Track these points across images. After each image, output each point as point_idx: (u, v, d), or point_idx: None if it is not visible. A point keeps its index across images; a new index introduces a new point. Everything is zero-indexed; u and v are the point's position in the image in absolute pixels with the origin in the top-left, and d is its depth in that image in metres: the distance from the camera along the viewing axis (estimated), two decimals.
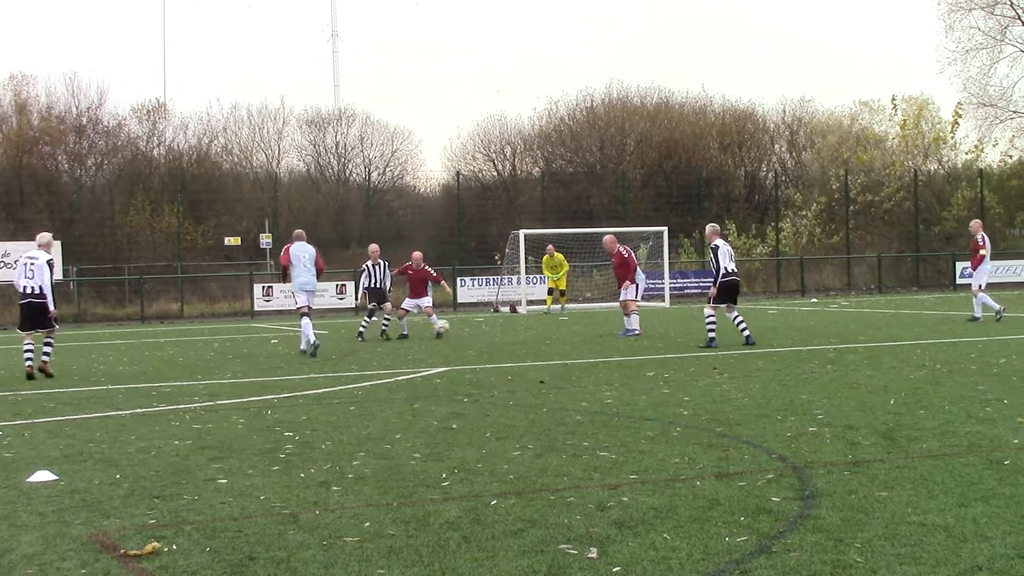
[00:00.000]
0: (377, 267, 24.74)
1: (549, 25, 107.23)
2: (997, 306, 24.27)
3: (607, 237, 24.45)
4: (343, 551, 6.35)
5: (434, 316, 24.97)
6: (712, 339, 19.51)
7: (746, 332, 19.72)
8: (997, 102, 57.89)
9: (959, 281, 44.98)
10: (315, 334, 20.83)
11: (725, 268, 19.66)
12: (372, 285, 24.70)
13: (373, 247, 25.30)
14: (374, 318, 25.19)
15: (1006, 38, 57.97)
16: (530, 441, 9.82)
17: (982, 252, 25.27)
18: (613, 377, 15.05)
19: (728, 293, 19.81)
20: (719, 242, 19.99)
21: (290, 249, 21.26)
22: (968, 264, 25.56)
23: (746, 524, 6.67)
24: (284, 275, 21.53)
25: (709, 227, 20.92)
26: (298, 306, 21.13)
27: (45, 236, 18.31)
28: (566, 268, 36.53)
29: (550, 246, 36.32)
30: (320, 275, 21.63)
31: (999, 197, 51.73)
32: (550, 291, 36.77)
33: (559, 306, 35.99)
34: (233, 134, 59.07)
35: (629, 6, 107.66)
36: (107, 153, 51.10)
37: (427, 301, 25.29)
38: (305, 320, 20.81)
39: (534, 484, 8.01)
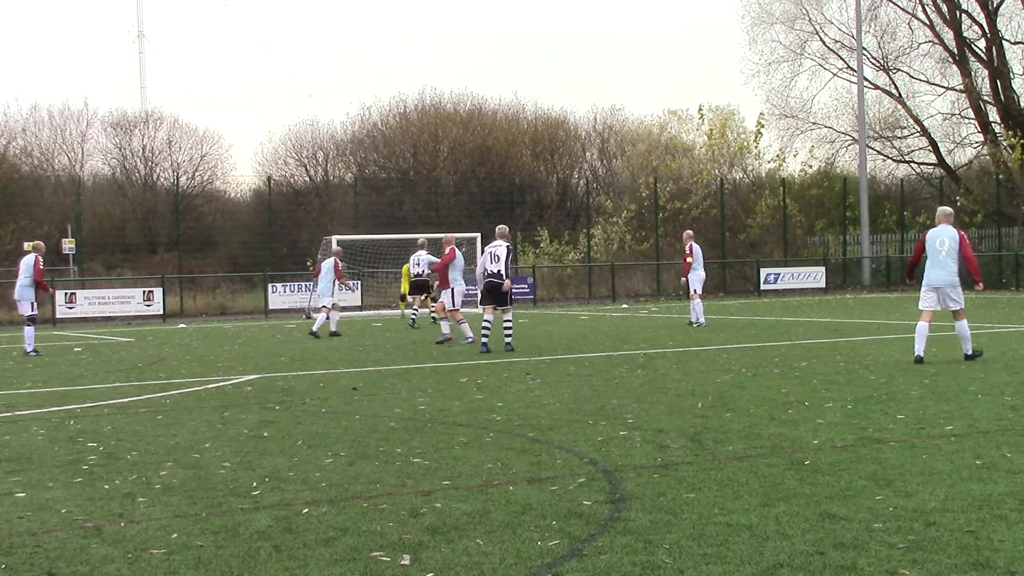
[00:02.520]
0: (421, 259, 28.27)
1: (361, 30, 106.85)
2: (701, 319, 26.21)
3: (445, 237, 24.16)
4: (149, 564, 6.19)
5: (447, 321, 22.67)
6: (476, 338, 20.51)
7: (484, 340, 20.13)
8: (798, 113, 60.06)
9: (763, 287, 46.34)
10: (33, 345, 22.46)
11: (484, 270, 20.49)
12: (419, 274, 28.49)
13: (422, 239, 29.24)
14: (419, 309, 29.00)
15: (805, 52, 60.17)
16: (342, 448, 9.74)
17: (688, 260, 26.93)
18: (427, 383, 15.04)
19: (485, 294, 20.56)
20: (488, 248, 20.87)
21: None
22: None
23: (558, 528, 6.73)
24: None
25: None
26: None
27: None
28: None
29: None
30: (37, 284, 22.90)
31: (800, 205, 53.46)
32: (403, 297, 36.02)
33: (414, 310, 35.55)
34: (33, 135, 57.36)
35: (441, 13, 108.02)
36: None
37: (447, 297, 22.47)
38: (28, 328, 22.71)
39: (346, 492, 7.94)
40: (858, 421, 10.56)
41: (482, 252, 20.62)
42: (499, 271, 20.28)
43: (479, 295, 20.96)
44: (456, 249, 22.75)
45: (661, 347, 20.01)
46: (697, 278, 26.72)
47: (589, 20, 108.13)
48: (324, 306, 26.40)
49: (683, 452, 9.17)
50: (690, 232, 28.08)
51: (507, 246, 20.53)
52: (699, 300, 26.51)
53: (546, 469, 8.61)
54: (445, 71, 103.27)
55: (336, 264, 26.88)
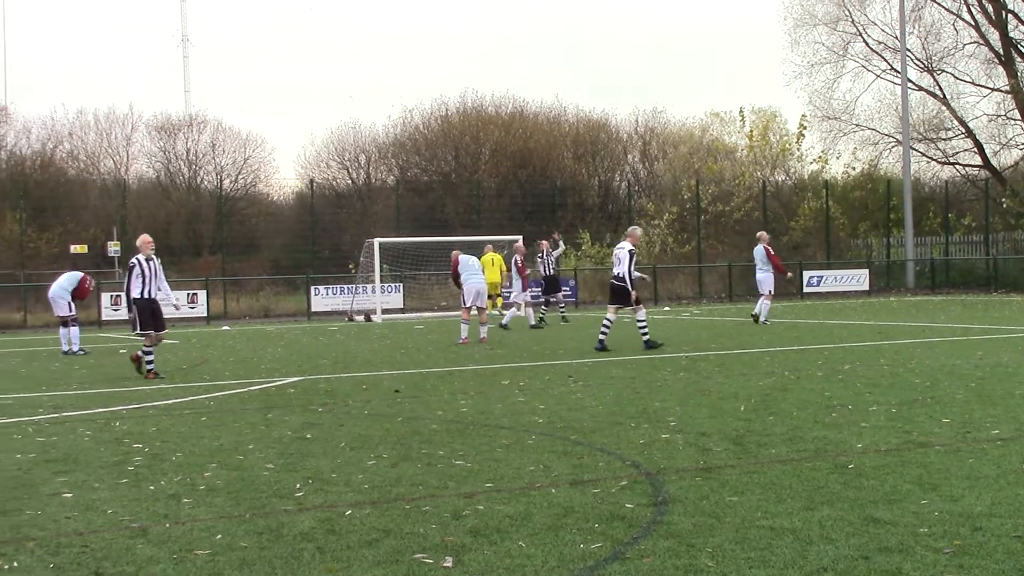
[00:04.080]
0: (550, 257, 29.53)
1: (403, 32, 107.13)
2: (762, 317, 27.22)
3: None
4: (194, 564, 6.23)
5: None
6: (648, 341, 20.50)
7: (601, 337, 20.31)
8: (840, 115, 59.53)
9: (806, 290, 46.07)
10: (71, 346, 23.50)
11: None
12: (548, 274, 29.54)
13: (543, 243, 30.05)
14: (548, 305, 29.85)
15: (848, 53, 59.67)
16: (385, 450, 9.77)
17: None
18: (468, 386, 15.05)
19: (610, 294, 21.04)
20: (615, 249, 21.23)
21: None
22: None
23: (600, 531, 6.72)
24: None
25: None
26: None
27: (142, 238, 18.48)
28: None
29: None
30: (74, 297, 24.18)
31: (843, 208, 53.11)
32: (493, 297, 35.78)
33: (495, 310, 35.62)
34: (79, 139, 57.83)
35: (483, 15, 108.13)
36: None
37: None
38: (62, 329, 23.84)
39: (389, 493, 7.96)
40: (903, 425, 10.48)
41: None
42: (618, 273, 20.47)
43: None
44: (459, 255, 24.29)
45: (703, 350, 19.94)
46: (759, 279, 27.74)
47: (631, 22, 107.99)
48: (519, 302, 29.20)
49: (726, 455, 9.14)
50: (760, 234, 28.63)
51: (629, 248, 20.52)
52: (764, 300, 27.44)
53: (588, 472, 8.60)
54: (486, 74, 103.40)
55: (516, 261, 29.31)
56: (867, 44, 59.11)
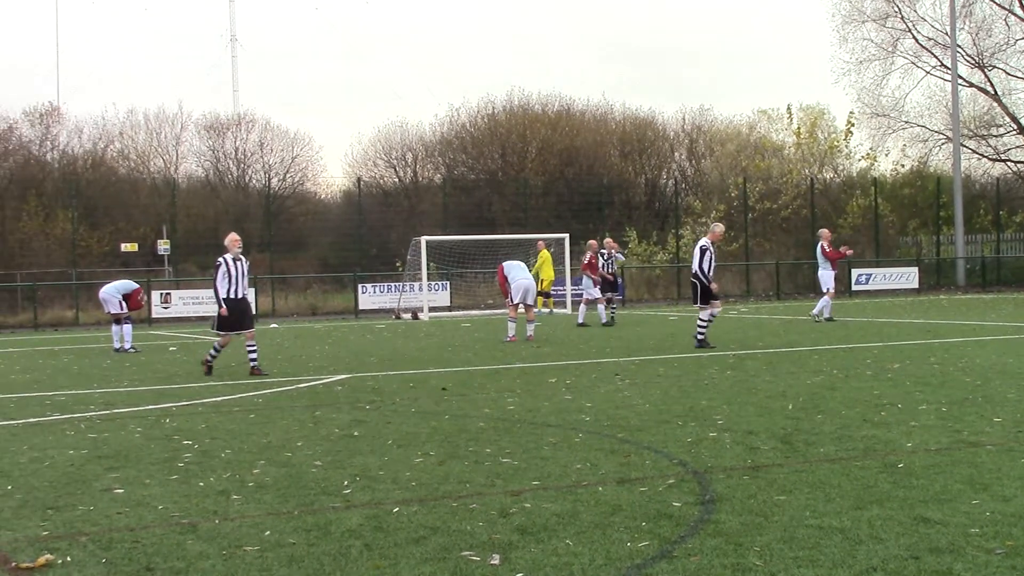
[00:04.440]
0: (612, 258, 29.00)
1: (450, 30, 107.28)
2: (814, 312, 27.86)
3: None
4: (243, 561, 6.28)
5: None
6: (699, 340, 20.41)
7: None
8: (890, 112, 59.08)
9: (855, 288, 45.77)
10: (123, 343, 23.73)
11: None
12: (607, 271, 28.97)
13: (608, 241, 29.94)
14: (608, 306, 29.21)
15: (897, 50, 59.20)
16: (432, 448, 9.79)
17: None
18: (515, 384, 15.06)
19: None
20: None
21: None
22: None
23: (647, 529, 6.71)
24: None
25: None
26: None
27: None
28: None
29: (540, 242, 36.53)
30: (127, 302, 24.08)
31: (892, 205, 52.71)
32: (548, 295, 36.14)
33: (547, 309, 35.81)
34: (130, 139, 58.28)
35: (529, 13, 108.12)
36: None
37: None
38: (114, 326, 24.02)
39: (436, 491, 7.98)
40: (953, 424, 10.39)
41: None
42: (694, 271, 20.48)
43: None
44: (503, 263, 24.17)
45: (751, 348, 19.84)
46: (819, 276, 28.13)
47: (676, 19, 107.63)
48: (590, 299, 29.24)
49: (774, 454, 9.10)
50: (820, 231, 29.01)
51: (701, 245, 20.46)
52: (825, 297, 27.60)
53: (635, 470, 8.59)
54: (533, 72, 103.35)
55: (587, 258, 29.51)
56: (916, 40, 58.67)
